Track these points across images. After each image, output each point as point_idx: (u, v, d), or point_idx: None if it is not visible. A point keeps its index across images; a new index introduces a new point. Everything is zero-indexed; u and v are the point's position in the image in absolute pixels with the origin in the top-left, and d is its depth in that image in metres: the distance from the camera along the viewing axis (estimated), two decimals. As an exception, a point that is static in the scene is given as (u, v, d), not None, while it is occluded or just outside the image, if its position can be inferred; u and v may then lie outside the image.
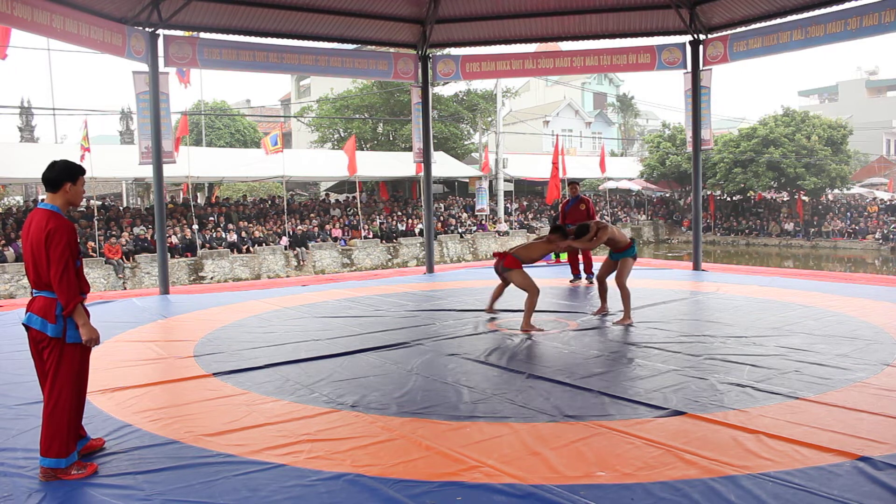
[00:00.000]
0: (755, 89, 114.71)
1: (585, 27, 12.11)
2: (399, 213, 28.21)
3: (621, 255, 7.41)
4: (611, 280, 7.60)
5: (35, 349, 3.50)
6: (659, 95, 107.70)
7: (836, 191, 36.36)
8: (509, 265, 7.09)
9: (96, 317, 8.14)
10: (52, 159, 3.56)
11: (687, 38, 11.60)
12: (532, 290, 6.97)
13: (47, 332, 3.38)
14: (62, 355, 3.41)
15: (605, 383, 4.90)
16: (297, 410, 4.42)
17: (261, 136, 40.10)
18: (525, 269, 7.15)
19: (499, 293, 7.73)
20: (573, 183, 10.91)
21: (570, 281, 10.55)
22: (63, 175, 3.46)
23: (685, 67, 11.65)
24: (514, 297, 7.70)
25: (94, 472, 3.47)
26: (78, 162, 3.60)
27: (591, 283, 10.37)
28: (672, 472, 3.34)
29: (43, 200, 3.52)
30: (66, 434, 3.40)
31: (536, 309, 7.00)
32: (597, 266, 10.79)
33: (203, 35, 11.02)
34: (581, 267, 10.61)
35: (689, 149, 11.98)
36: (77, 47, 9.60)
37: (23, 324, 3.50)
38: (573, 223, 10.21)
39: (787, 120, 34.35)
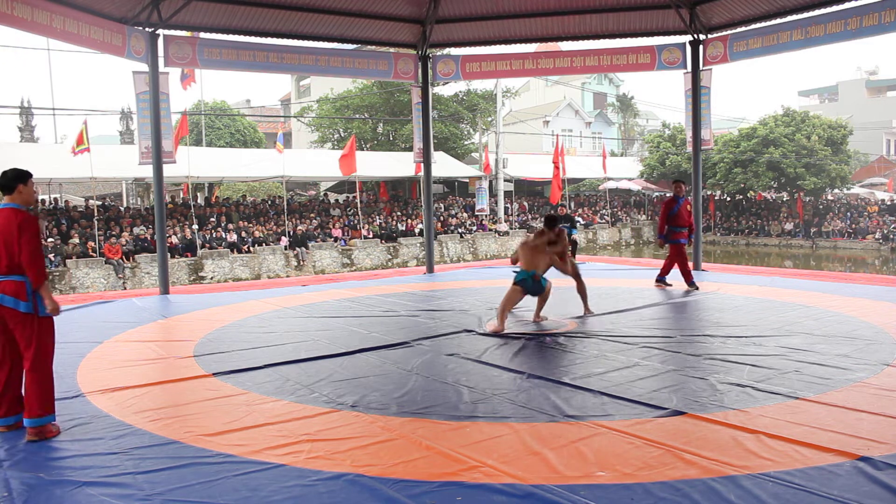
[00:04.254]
0: (755, 89, 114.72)
1: (585, 27, 12.11)
2: (399, 213, 28.20)
3: None
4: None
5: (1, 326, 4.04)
6: (659, 95, 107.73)
7: (836, 191, 36.36)
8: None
9: (96, 317, 8.15)
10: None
11: (687, 38, 11.60)
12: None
13: (20, 308, 3.96)
14: (39, 328, 4.00)
15: (605, 383, 4.90)
16: (297, 410, 4.42)
17: (261, 136, 40.20)
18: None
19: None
20: (678, 182, 9.87)
21: (661, 281, 9.88)
22: (15, 180, 4.09)
23: (685, 67, 11.66)
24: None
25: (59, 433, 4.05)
26: (26, 169, 4.24)
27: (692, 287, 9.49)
28: (672, 472, 3.34)
29: (2, 201, 4.13)
30: (48, 396, 4.01)
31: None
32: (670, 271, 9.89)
33: (203, 35, 11.02)
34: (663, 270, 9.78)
35: (689, 149, 11.98)
36: (77, 47, 9.61)
37: None
38: (682, 226, 9.63)
39: (787, 120, 34.33)
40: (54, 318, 4.10)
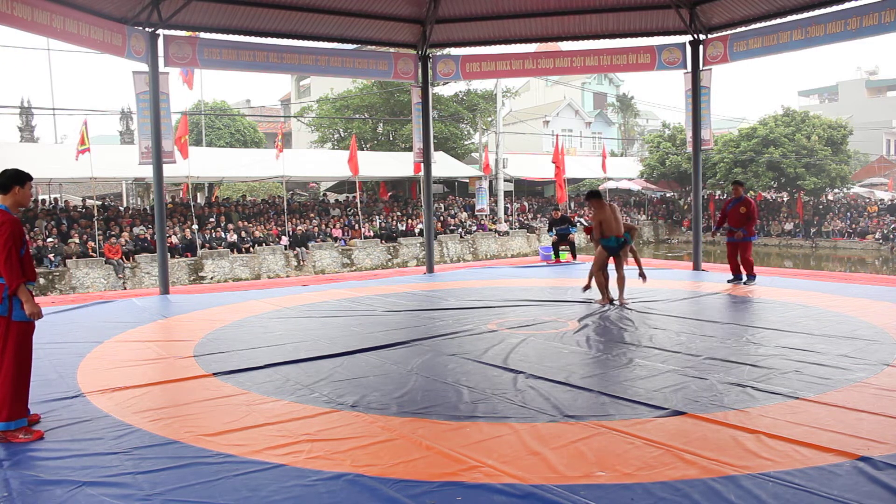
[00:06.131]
0: (755, 89, 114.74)
1: (585, 27, 12.11)
2: (399, 213, 28.20)
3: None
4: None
5: None
6: (659, 95, 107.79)
7: (836, 191, 36.35)
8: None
9: (96, 317, 8.15)
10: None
11: (687, 38, 11.60)
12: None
13: None
14: (9, 331, 3.92)
15: (605, 383, 4.90)
16: (297, 410, 4.42)
17: (261, 136, 40.18)
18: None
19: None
20: (737, 184, 9.92)
21: (728, 281, 9.92)
22: (12, 181, 4.05)
23: (685, 67, 11.66)
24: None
25: (40, 438, 3.94)
26: (25, 171, 4.18)
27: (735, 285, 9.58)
28: (672, 472, 3.34)
29: None
30: (11, 400, 3.89)
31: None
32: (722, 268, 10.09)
33: (203, 35, 11.03)
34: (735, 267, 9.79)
35: (689, 149, 11.99)
36: (77, 47, 9.61)
37: None
38: (734, 225, 9.70)
39: (787, 120, 34.34)
40: (35, 322, 4.02)
